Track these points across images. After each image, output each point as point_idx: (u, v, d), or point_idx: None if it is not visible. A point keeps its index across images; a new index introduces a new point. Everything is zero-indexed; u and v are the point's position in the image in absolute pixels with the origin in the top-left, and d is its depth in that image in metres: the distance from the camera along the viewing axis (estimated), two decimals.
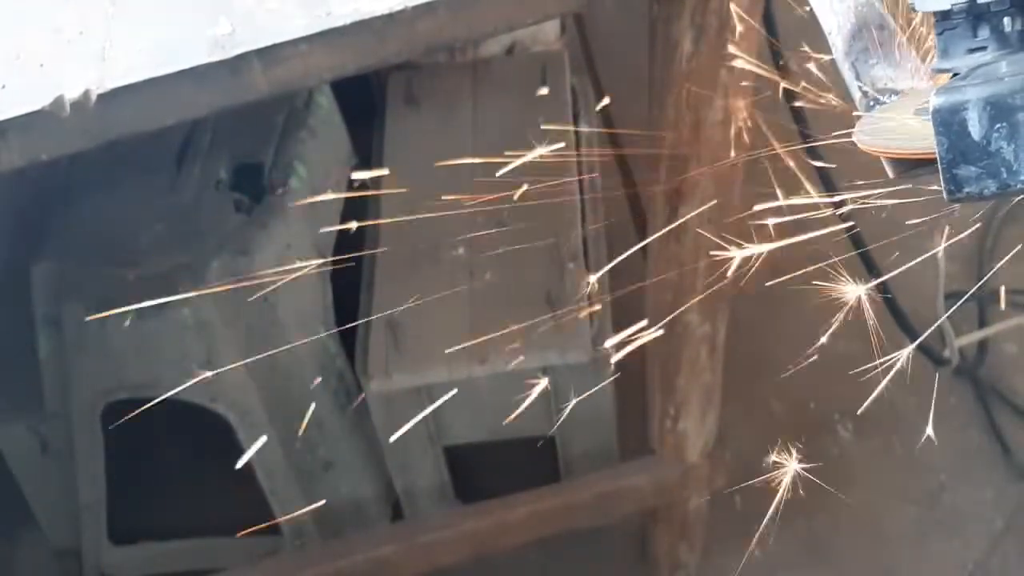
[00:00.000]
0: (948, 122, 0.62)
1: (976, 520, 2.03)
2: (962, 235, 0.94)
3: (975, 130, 0.62)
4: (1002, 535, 2.01)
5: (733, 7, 1.11)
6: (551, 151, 0.89)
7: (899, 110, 0.74)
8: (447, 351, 1.67)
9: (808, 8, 0.86)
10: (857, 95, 0.76)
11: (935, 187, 0.69)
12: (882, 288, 1.77)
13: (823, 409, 2.21)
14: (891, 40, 0.78)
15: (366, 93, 2.09)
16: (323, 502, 1.78)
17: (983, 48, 0.65)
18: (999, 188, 0.63)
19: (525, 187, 1.07)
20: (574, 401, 1.73)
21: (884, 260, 1.74)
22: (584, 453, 1.80)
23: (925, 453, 2.14)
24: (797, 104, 1.54)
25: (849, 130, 0.75)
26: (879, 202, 0.77)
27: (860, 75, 0.77)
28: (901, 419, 2.19)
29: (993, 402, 2.18)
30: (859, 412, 2.18)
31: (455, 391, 1.67)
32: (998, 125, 0.61)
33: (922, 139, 0.66)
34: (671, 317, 1.51)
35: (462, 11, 0.94)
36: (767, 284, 1.07)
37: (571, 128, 1.96)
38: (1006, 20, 0.64)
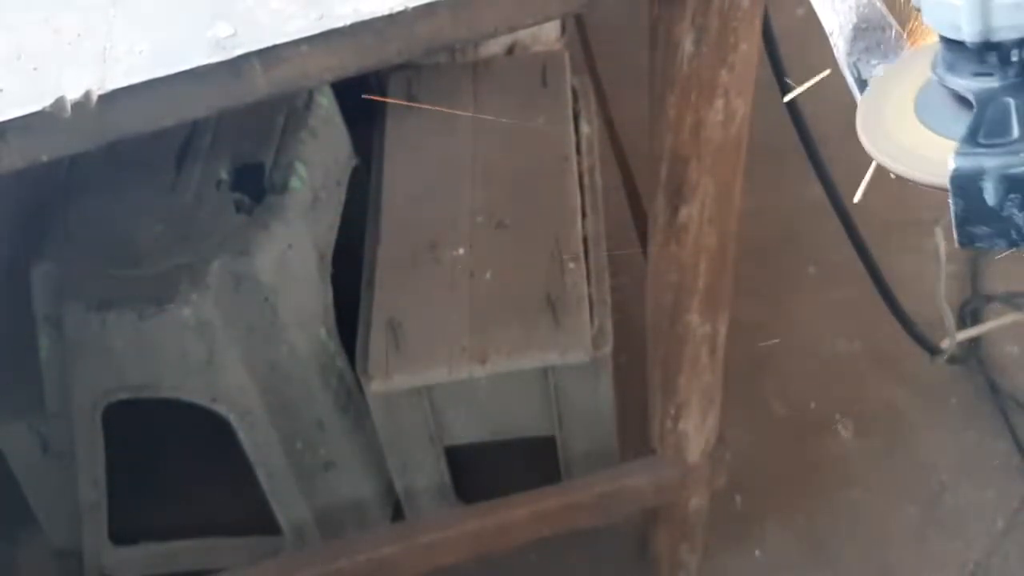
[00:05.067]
0: (965, 187, 0.65)
1: (976, 520, 2.03)
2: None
3: (990, 197, 0.65)
4: (1002, 535, 2.01)
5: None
6: None
7: (894, 84, 0.75)
8: (447, 351, 1.68)
9: (802, 10, 0.86)
10: (859, 96, 0.76)
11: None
12: (882, 286, 1.78)
13: (823, 409, 2.21)
14: (893, 40, 0.78)
15: (366, 93, 2.09)
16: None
17: (989, 74, 0.66)
18: (1008, 246, 0.66)
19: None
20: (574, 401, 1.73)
21: (884, 258, 1.75)
22: (584, 453, 1.80)
23: (925, 453, 2.14)
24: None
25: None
26: None
27: (862, 75, 0.77)
28: (901, 419, 2.20)
29: (995, 403, 2.18)
30: (860, 413, 2.18)
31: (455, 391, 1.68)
32: (1012, 195, 0.64)
33: (933, 167, 0.68)
34: (672, 318, 1.51)
35: (462, 12, 0.94)
36: None
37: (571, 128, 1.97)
38: (1014, 51, 0.65)
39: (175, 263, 1.58)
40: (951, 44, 0.67)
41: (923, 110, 0.72)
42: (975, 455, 2.13)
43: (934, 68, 0.70)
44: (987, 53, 0.66)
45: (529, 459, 1.82)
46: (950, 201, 0.66)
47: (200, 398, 1.63)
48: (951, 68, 0.68)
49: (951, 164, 0.65)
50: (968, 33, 0.65)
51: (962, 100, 0.68)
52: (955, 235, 0.67)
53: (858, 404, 2.21)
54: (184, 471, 1.83)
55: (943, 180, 0.65)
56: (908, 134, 0.72)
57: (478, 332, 1.69)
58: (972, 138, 0.65)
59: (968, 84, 0.67)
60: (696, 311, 1.49)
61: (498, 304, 1.72)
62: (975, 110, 0.66)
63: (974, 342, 2.21)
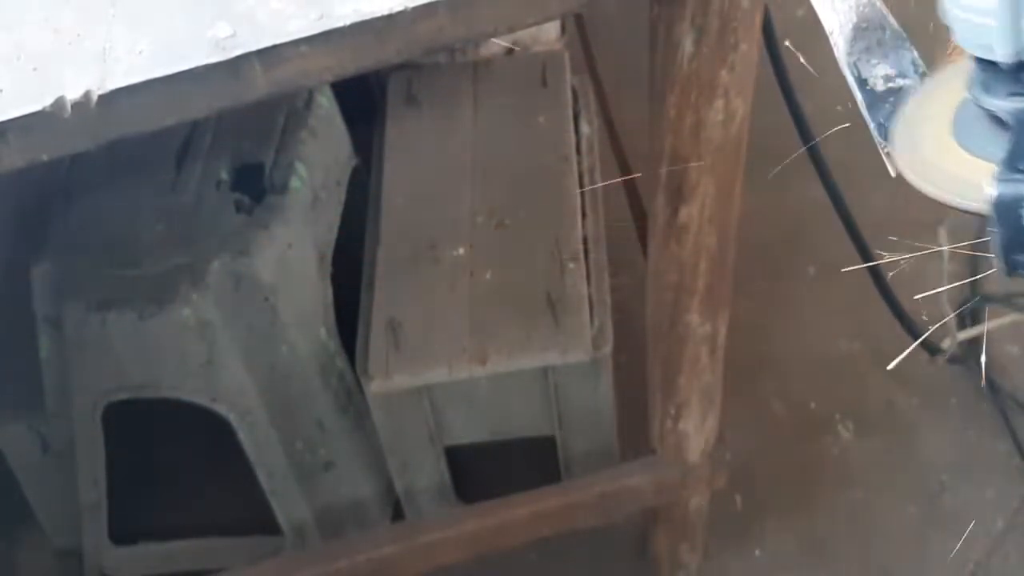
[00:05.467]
0: (1005, 215, 0.64)
1: (976, 520, 2.03)
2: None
3: None
4: (1002, 535, 2.01)
5: None
6: None
7: (930, 103, 0.74)
8: (447, 351, 1.68)
9: (802, 10, 0.86)
10: (859, 95, 0.76)
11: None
12: (883, 286, 1.78)
13: (823, 409, 2.21)
14: (893, 39, 0.78)
15: (366, 93, 2.10)
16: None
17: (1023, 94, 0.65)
18: None
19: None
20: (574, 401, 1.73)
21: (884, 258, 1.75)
22: (584, 453, 1.80)
23: (925, 453, 2.14)
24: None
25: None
26: None
27: (862, 75, 0.77)
28: (901, 419, 2.20)
29: (995, 403, 2.18)
30: (860, 413, 2.18)
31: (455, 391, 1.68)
32: None
33: (972, 191, 0.66)
34: (672, 318, 1.51)
35: (462, 12, 0.94)
36: None
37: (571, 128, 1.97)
38: None
39: (175, 263, 1.58)
40: (985, 64, 0.66)
41: (960, 130, 0.71)
42: (975, 455, 2.13)
43: (969, 88, 0.69)
44: (1022, 74, 0.64)
45: (529, 459, 1.82)
46: (990, 229, 0.64)
47: (200, 398, 1.63)
48: (986, 88, 0.67)
49: (991, 191, 0.63)
50: (1001, 55, 0.63)
51: (999, 120, 0.67)
52: (1000, 264, 0.66)
53: (858, 404, 2.21)
54: (184, 471, 1.83)
55: (982, 206, 0.64)
56: (945, 157, 0.70)
57: (478, 332, 1.69)
58: (1011, 163, 0.63)
59: (1003, 105, 0.66)
60: (696, 311, 1.49)
61: (498, 304, 1.72)
62: (1013, 133, 0.65)
63: (974, 342, 2.21)
